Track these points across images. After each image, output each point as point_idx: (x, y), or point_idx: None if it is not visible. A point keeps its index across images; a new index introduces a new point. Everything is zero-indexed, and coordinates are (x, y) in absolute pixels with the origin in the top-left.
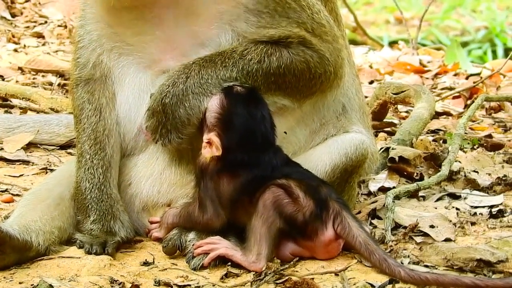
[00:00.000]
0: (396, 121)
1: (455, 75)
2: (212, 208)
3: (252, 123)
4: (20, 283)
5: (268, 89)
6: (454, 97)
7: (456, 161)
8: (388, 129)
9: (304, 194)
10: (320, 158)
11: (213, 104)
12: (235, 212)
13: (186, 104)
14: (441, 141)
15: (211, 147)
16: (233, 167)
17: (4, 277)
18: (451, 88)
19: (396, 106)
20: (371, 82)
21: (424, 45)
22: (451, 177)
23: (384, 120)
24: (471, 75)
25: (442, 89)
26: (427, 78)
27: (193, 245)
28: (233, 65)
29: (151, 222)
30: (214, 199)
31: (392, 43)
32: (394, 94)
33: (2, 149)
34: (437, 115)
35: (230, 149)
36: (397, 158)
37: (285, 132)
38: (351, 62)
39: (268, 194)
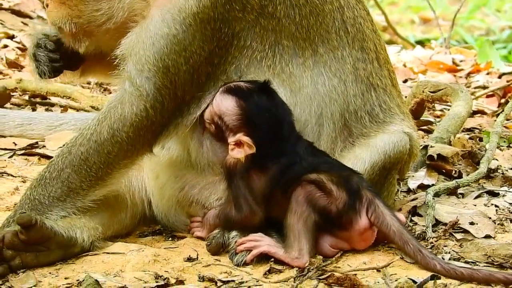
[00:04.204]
0: (431, 119)
1: (487, 74)
2: (247, 206)
3: (275, 113)
4: (65, 278)
5: None
6: (488, 96)
7: (493, 159)
8: (425, 127)
9: (336, 187)
10: (359, 155)
11: (229, 107)
12: (270, 207)
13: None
14: (477, 139)
15: (240, 147)
16: (262, 162)
17: (50, 273)
18: (484, 87)
19: (433, 104)
20: (405, 81)
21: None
22: (489, 174)
23: (421, 118)
24: (504, 74)
25: (476, 88)
26: (460, 77)
27: (235, 242)
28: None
29: (193, 221)
30: (248, 197)
31: (418, 43)
32: (431, 92)
33: (44, 146)
34: (471, 113)
35: (261, 144)
36: (435, 156)
37: None
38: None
39: (300, 190)
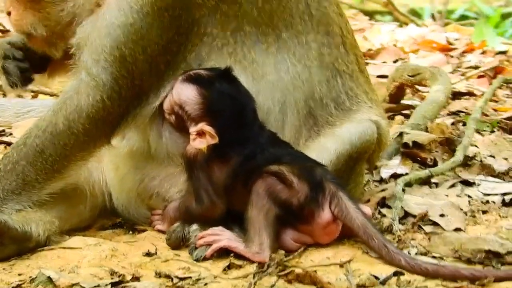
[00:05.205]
0: (417, 102)
1: (482, 53)
2: (207, 198)
3: (238, 101)
4: (19, 274)
5: None
6: (479, 76)
7: (472, 145)
8: (407, 111)
9: (298, 179)
10: (324, 145)
11: (189, 96)
12: (232, 199)
13: None
14: (460, 124)
15: (203, 137)
16: (223, 152)
17: (4, 269)
18: (476, 67)
19: (413, 88)
20: (395, 61)
21: (467, 17)
22: (466, 162)
23: (402, 102)
24: (499, 52)
25: (467, 68)
26: (452, 57)
27: (195, 236)
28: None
29: (154, 214)
30: (208, 189)
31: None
32: (410, 76)
33: (11, 134)
34: (460, 95)
35: (224, 134)
36: (410, 143)
37: None
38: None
39: (260, 182)
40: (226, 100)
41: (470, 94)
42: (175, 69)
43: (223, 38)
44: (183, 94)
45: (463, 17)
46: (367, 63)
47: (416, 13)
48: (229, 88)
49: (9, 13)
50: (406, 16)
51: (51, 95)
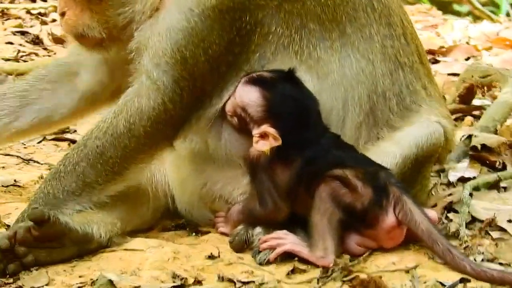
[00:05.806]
0: (488, 102)
1: None
2: (271, 201)
3: (301, 103)
4: (80, 276)
5: None
6: None
7: None
8: (477, 112)
9: (362, 183)
10: (389, 148)
11: (252, 98)
12: (295, 202)
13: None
14: None
15: (265, 139)
16: (286, 154)
17: (64, 270)
18: None
19: (483, 90)
20: (467, 59)
21: None
22: None
23: (472, 103)
24: None
25: None
26: None
27: (259, 239)
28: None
29: (217, 216)
30: (272, 191)
31: None
32: (480, 78)
33: (75, 131)
34: None
35: (287, 136)
36: (479, 146)
37: None
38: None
39: (323, 186)
40: (289, 102)
41: None
42: (238, 70)
43: (288, 36)
44: (246, 96)
45: None
46: (438, 61)
47: (494, 4)
48: (292, 90)
49: (62, 14)
50: (482, 10)
51: None
